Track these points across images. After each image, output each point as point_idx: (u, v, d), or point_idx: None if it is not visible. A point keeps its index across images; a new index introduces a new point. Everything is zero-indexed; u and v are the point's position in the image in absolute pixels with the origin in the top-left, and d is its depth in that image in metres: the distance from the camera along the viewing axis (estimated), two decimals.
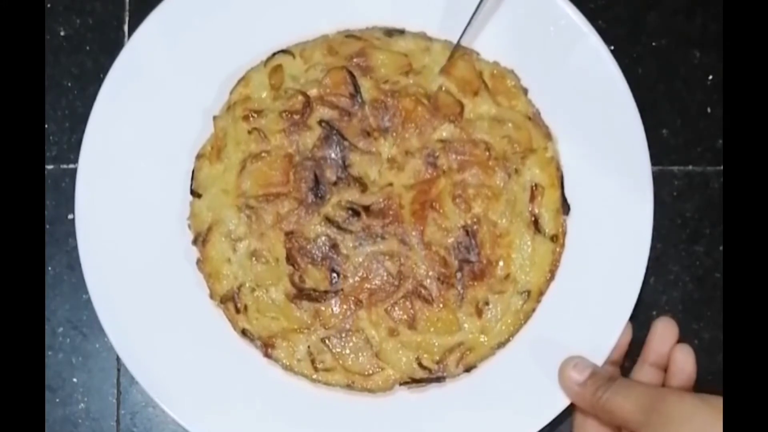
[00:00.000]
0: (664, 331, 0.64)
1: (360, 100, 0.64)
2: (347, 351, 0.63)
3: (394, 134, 0.64)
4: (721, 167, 0.70)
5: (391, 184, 0.64)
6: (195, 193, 0.64)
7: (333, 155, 0.64)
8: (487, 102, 0.65)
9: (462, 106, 0.64)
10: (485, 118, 0.64)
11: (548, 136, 0.65)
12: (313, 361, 0.63)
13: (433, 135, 0.64)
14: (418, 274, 0.63)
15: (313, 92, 0.64)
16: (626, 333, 0.64)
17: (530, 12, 0.64)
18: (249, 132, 0.64)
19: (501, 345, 0.63)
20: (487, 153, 0.63)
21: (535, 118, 0.65)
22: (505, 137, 0.64)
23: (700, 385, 0.62)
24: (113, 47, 0.67)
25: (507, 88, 0.65)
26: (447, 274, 0.63)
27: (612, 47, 0.65)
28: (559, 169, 0.65)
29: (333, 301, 0.63)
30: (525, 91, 0.65)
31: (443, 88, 0.64)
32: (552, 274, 0.64)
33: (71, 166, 0.68)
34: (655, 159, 0.65)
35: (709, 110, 0.70)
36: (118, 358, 0.67)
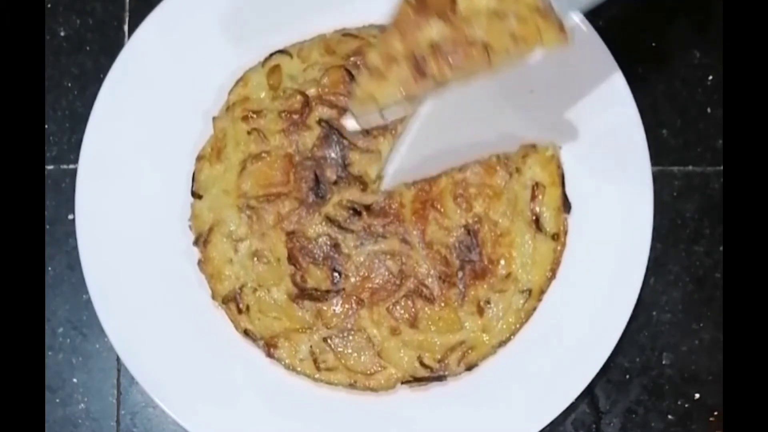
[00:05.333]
0: None
1: None
2: (349, 350, 0.63)
3: (394, 132, 0.64)
4: (721, 167, 0.70)
5: None
6: (196, 195, 0.64)
7: (333, 154, 0.64)
8: None
9: None
10: (482, 13, 0.52)
11: (561, 28, 0.53)
12: (315, 361, 0.63)
13: (420, 36, 0.52)
14: (419, 273, 0.63)
15: (311, 92, 0.64)
16: None
17: None
18: (248, 132, 0.64)
19: (502, 343, 0.63)
20: (486, 55, 0.52)
21: (545, 10, 0.53)
22: (508, 34, 0.52)
23: (700, 385, 0.62)
24: (113, 47, 0.67)
25: None
26: (448, 273, 0.63)
27: (612, 47, 0.65)
28: (560, 167, 0.65)
29: (335, 301, 0.63)
30: None
31: None
32: (553, 272, 0.64)
33: (71, 166, 0.68)
34: (655, 159, 0.65)
35: (709, 110, 0.70)
36: (118, 358, 0.67)
